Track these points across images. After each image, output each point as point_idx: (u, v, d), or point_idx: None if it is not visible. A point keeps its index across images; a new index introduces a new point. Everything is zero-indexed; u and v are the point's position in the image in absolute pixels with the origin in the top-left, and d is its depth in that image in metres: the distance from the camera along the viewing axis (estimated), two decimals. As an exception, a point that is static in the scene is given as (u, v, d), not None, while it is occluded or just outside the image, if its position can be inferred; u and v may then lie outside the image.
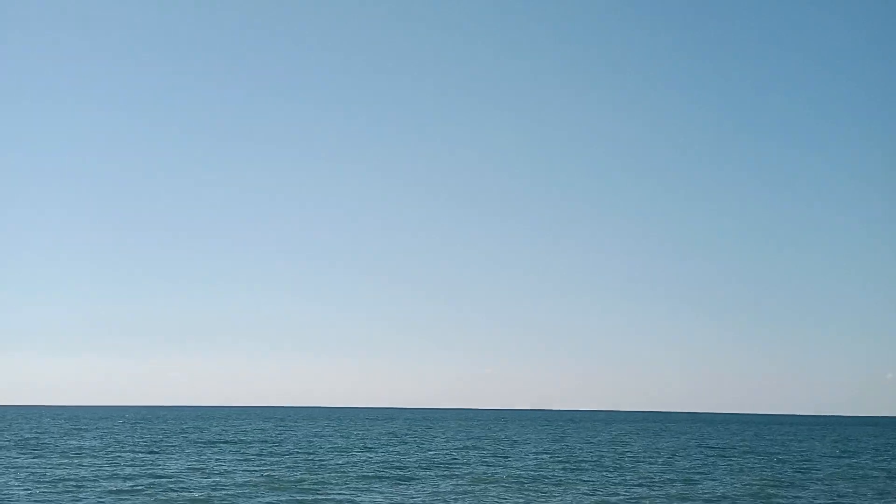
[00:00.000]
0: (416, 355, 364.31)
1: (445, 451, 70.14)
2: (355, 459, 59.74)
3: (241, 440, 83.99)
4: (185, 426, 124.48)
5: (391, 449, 72.58)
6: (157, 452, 64.31)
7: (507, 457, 64.91)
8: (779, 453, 77.09)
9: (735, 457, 70.28)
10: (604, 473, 52.10)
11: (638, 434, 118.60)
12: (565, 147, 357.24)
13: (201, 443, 78.23)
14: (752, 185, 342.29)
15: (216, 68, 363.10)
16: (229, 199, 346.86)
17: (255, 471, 50.17)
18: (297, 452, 66.17)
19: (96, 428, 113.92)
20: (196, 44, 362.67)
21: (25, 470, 49.03)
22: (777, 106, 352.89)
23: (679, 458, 66.37)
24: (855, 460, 69.59)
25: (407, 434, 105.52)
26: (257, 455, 62.78)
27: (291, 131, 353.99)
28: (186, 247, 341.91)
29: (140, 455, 61.26)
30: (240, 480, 44.87)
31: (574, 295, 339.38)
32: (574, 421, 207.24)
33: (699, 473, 53.37)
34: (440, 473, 50.10)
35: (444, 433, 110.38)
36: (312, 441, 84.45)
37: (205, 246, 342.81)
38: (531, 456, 66.31)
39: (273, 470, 50.73)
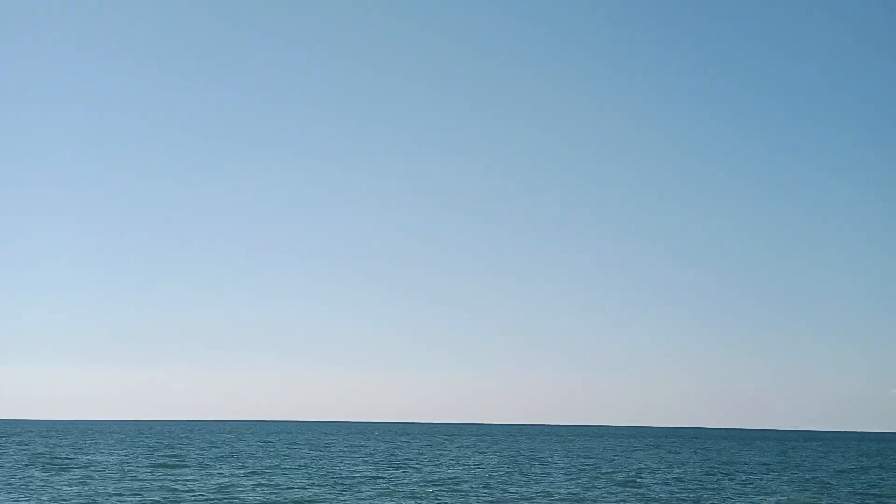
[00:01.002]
0: (420, 367, 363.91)
1: (464, 467, 69.92)
2: (371, 475, 59.59)
3: (251, 454, 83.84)
4: (192, 440, 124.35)
5: (405, 463, 72.39)
6: (169, 467, 64.22)
7: (524, 475, 64.62)
8: (791, 469, 76.75)
9: (746, 474, 69.96)
10: (614, 488, 51.94)
11: (645, 449, 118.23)
12: (571, 156, 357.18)
13: (210, 457, 78.12)
14: (759, 196, 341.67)
15: (220, 77, 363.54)
16: (232, 207, 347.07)
17: (264, 485, 50.06)
18: (309, 468, 65.99)
19: (104, 442, 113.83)
20: (201, 52, 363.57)
21: (37, 484, 49.01)
22: (780, 114, 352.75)
23: (692, 475, 66.13)
24: (866, 476, 69.23)
25: (417, 449, 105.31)
26: (267, 469, 62.61)
27: (293, 138, 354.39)
28: (188, 255, 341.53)
29: (151, 470, 61.16)
30: (251, 498, 44.79)
31: (581, 306, 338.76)
32: (583, 435, 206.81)
33: (709, 490, 53.19)
34: (463, 489, 49.95)
35: (454, 448, 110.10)
36: (321, 456, 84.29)
37: (207, 254, 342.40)
38: (553, 473, 66.10)
39: (284, 486, 50.60)
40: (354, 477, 57.89)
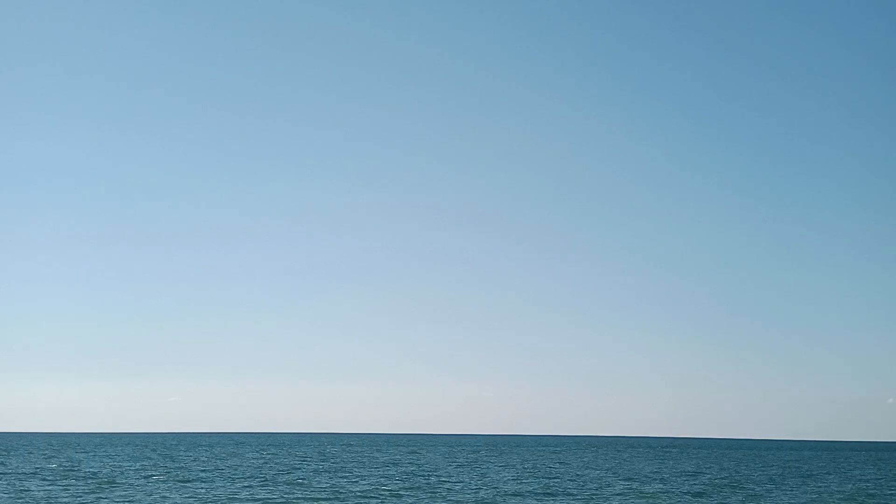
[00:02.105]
0: (415, 378, 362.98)
1: (474, 481, 69.46)
2: (372, 487, 59.12)
3: (251, 466, 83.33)
4: (192, 453, 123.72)
5: (406, 475, 71.95)
6: (179, 480, 63.62)
7: (542, 488, 63.88)
8: (809, 478, 76.41)
9: (753, 484, 69.63)
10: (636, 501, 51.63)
11: (651, 459, 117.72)
12: (563, 170, 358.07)
13: (213, 470, 77.58)
14: (754, 206, 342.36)
15: (216, 91, 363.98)
16: (227, 222, 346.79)
17: (263, 499, 49.58)
18: (308, 481, 65.47)
19: (107, 455, 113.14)
20: (199, 66, 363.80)
21: (38, 496, 48.55)
22: (774, 123, 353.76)
23: (705, 485, 65.81)
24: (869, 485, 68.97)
25: (419, 461, 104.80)
26: (267, 482, 62.15)
27: (285, 153, 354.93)
28: (183, 268, 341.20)
29: (154, 482, 60.66)
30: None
31: (575, 317, 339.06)
32: (579, 445, 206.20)
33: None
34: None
35: (460, 460, 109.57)
36: (323, 469, 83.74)
37: (202, 268, 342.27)
38: (566, 484, 65.65)
39: (285, 501, 50.10)
40: (353, 491, 57.43)
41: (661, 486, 64.20)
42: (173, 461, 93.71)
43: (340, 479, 66.07)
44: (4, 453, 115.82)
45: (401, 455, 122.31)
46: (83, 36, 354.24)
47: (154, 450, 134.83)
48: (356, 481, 64.24)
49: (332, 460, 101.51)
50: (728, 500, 53.80)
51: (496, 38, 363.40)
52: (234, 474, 70.92)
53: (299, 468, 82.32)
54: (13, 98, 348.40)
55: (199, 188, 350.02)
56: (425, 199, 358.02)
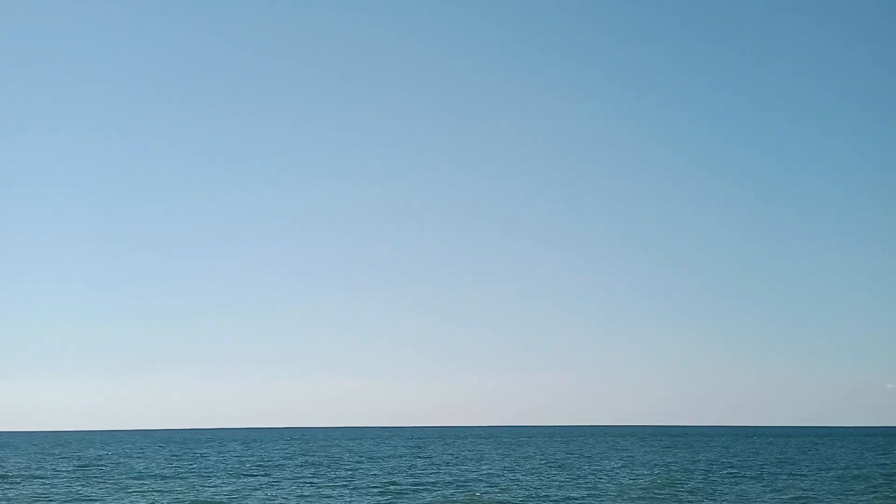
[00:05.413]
0: (414, 371, 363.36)
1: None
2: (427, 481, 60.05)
3: (281, 464, 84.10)
4: (212, 449, 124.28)
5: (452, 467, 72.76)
6: (204, 476, 64.47)
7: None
8: (804, 463, 77.36)
9: (764, 470, 70.65)
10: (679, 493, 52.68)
11: (655, 449, 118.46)
12: (564, 161, 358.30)
13: (234, 465, 78.51)
14: (750, 194, 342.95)
15: (214, 88, 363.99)
16: (227, 216, 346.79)
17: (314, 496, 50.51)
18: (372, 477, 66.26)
19: (126, 453, 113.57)
20: (199, 66, 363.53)
21: (84, 499, 49.57)
22: (767, 113, 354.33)
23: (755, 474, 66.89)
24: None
25: (451, 454, 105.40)
26: (311, 480, 62.98)
27: (285, 147, 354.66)
28: (185, 264, 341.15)
29: (186, 481, 61.59)
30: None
31: (575, 308, 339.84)
32: (587, 435, 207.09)
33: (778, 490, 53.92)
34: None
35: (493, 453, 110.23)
36: (360, 462, 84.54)
37: (204, 263, 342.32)
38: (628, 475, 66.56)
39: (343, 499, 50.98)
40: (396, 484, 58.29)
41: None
42: (181, 459, 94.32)
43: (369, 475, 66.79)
44: (8, 451, 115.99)
45: (421, 447, 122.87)
46: (83, 36, 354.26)
47: (165, 446, 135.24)
48: (383, 475, 65.12)
49: (341, 455, 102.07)
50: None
51: (496, 38, 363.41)
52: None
53: (327, 464, 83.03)
54: (13, 98, 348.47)
55: (200, 188, 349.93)
56: (426, 194, 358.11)
